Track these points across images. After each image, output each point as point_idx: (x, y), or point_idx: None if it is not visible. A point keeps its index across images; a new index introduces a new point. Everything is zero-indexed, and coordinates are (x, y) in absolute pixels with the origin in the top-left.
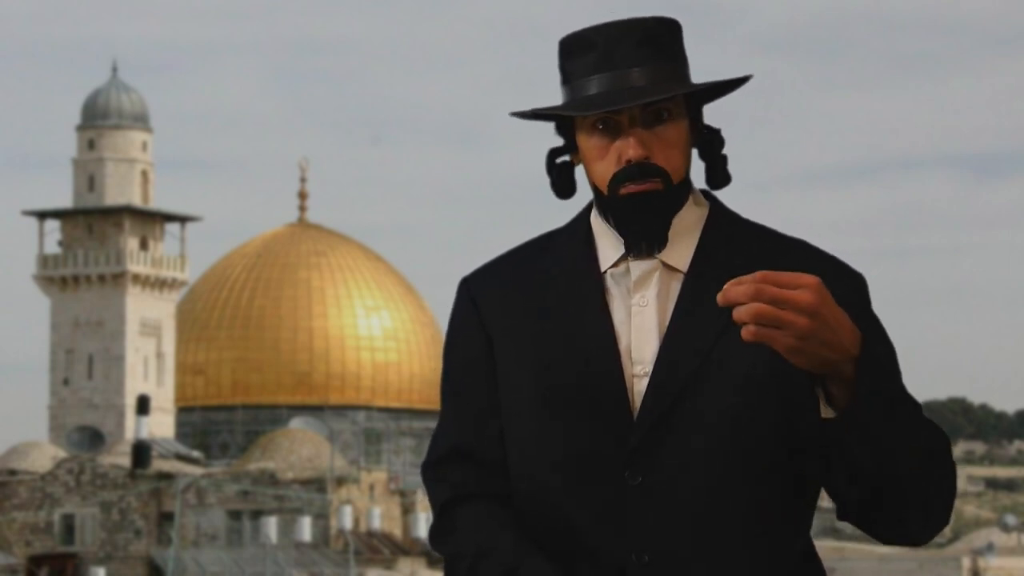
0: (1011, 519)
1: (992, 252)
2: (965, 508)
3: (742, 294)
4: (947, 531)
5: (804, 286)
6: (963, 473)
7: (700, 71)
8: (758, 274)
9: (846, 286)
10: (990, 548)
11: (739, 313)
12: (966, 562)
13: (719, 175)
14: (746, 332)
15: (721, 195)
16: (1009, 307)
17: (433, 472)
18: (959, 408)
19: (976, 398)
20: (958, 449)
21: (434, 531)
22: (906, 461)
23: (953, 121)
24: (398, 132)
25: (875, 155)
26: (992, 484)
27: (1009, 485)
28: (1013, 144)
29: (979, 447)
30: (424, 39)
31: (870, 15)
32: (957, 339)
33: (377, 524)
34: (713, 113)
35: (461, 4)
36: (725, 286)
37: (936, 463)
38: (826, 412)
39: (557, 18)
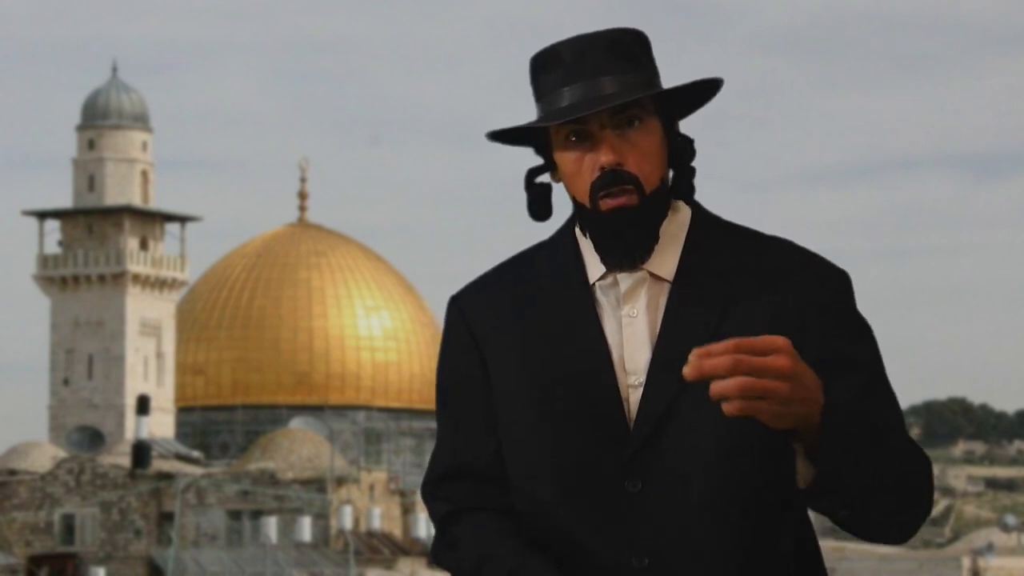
0: (1011, 519)
1: (992, 252)
2: (965, 508)
3: (719, 367)
4: (947, 531)
5: (777, 350)
6: (963, 473)
7: (700, 72)
8: (730, 343)
9: (832, 287)
10: (990, 548)
11: (721, 388)
12: (966, 562)
13: (683, 186)
14: (730, 407)
15: (721, 194)
16: (1009, 307)
17: (432, 489)
18: (959, 408)
19: (976, 398)
20: (958, 449)
21: (436, 546)
22: (884, 495)
23: (953, 121)
24: (398, 132)
25: (875, 155)
26: (992, 484)
27: (1009, 485)
28: (1013, 144)
29: (979, 447)
30: (424, 39)
31: (870, 15)
32: (957, 339)
33: (377, 524)
34: (713, 113)
35: (461, 4)
36: (694, 358)
37: (913, 490)
38: (804, 480)
39: (557, 18)
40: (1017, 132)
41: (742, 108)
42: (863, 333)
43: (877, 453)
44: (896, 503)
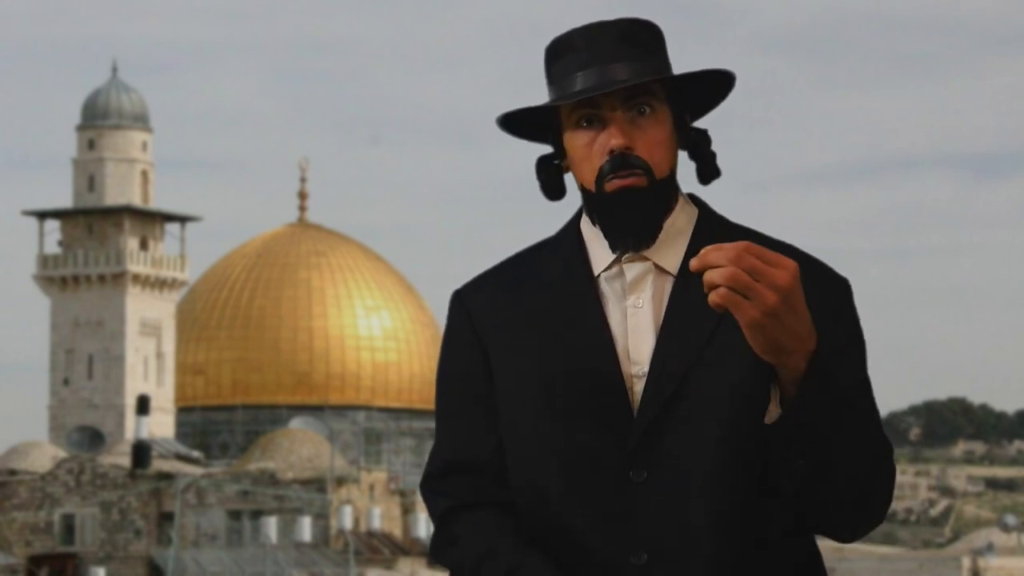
0: (1011, 519)
1: (992, 252)
2: (965, 508)
3: (721, 258)
4: (947, 531)
5: (783, 267)
6: (963, 473)
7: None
8: (741, 243)
9: (833, 291)
10: (990, 548)
11: (712, 275)
12: (966, 562)
13: (708, 170)
14: (715, 295)
15: (722, 194)
16: (1009, 307)
17: (431, 485)
18: (959, 408)
19: (976, 398)
20: (958, 449)
21: (435, 543)
22: (844, 471)
23: (953, 121)
24: (398, 132)
25: (875, 155)
26: (992, 484)
27: (1009, 485)
28: (1013, 144)
29: (979, 447)
30: (424, 39)
31: (870, 15)
32: (957, 339)
33: (377, 524)
34: (714, 113)
35: (461, 4)
36: (703, 250)
37: (874, 477)
38: (772, 414)
39: (557, 18)
40: (1017, 132)
41: (742, 108)
42: (853, 342)
43: (853, 417)
44: (858, 481)
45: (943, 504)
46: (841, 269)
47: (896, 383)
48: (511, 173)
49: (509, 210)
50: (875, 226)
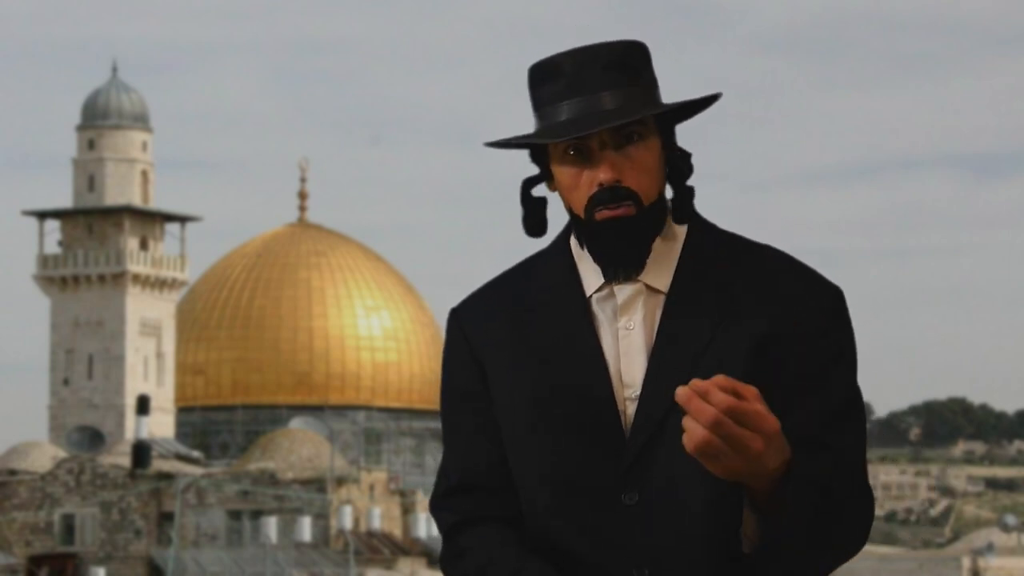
0: (1011, 519)
1: (992, 252)
2: (965, 508)
3: (702, 414)
4: (947, 531)
5: (762, 431)
6: (963, 473)
7: (699, 72)
8: (725, 405)
9: (821, 304)
10: (990, 548)
11: (690, 433)
12: (966, 562)
13: (683, 209)
14: (689, 446)
15: (722, 194)
16: (1009, 307)
17: (438, 503)
18: (959, 408)
19: (976, 398)
20: (958, 449)
21: (443, 557)
22: (816, 554)
23: (953, 121)
24: (398, 132)
25: (875, 155)
26: (992, 484)
27: (1009, 485)
28: (1013, 144)
29: (979, 447)
30: (424, 39)
31: (870, 15)
32: (957, 339)
33: (377, 524)
34: (713, 113)
35: (461, 4)
36: (694, 386)
37: (845, 548)
38: (746, 546)
39: (557, 19)
40: (1017, 132)
41: (742, 108)
42: (843, 354)
43: (823, 521)
44: (828, 557)
45: (943, 504)
46: (841, 269)
47: (896, 383)
48: (511, 173)
49: (509, 210)
50: (875, 226)
